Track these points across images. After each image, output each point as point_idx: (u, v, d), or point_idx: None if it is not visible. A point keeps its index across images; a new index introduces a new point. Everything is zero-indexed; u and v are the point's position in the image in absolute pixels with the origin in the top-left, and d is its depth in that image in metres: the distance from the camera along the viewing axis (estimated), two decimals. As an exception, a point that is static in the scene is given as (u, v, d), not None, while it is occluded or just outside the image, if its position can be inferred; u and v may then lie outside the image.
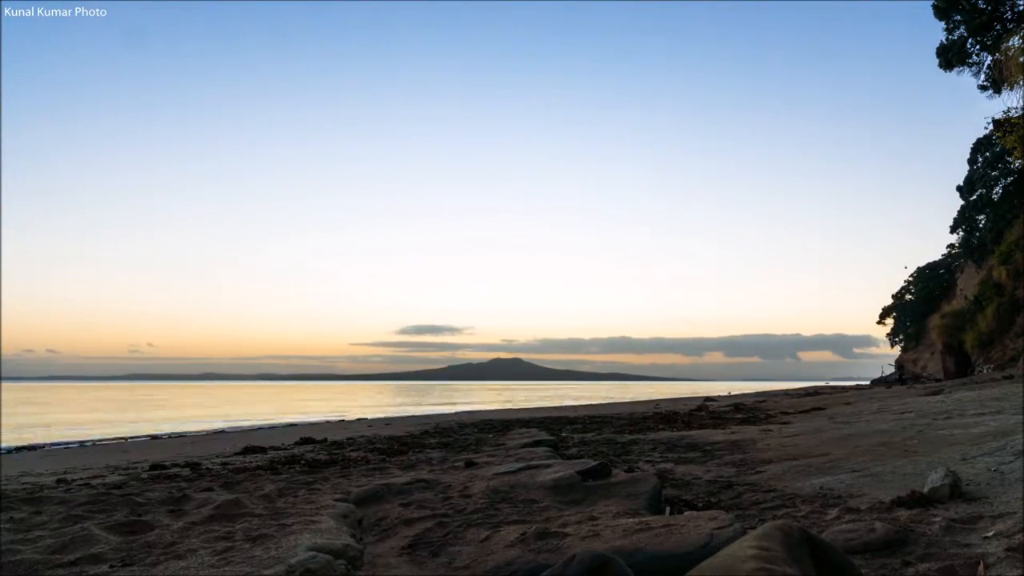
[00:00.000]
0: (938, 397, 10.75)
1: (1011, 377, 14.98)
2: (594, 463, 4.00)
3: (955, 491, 3.13)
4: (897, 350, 48.20)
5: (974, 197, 29.08)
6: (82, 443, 10.98)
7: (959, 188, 30.16)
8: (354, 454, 6.68)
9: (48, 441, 11.42)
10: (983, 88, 19.26)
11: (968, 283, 32.22)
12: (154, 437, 11.94)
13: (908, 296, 46.90)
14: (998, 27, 18.19)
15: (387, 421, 14.86)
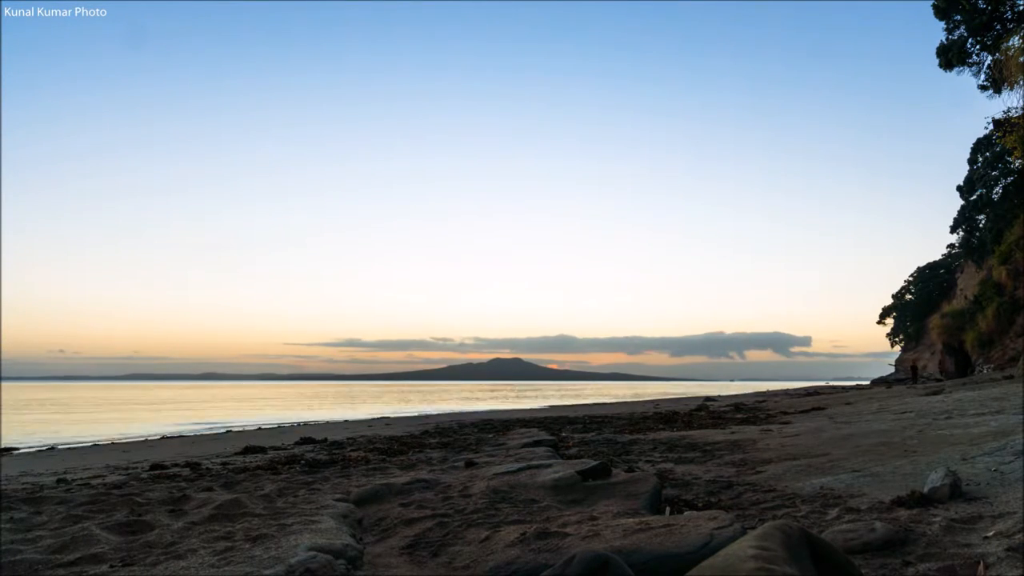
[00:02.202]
0: (938, 397, 10.75)
1: (1011, 377, 14.98)
2: (594, 463, 4.00)
3: (955, 491, 3.13)
4: (897, 349, 48.20)
5: (974, 197, 29.09)
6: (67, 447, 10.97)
7: (959, 188, 30.17)
8: (354, 454, 6.68)
9: (56, 441, 11.42)
10: (983, 88, 19.25)
11: (968, 283, 32.23)
12: (166, 436, 11.95)
13: (908, 296, 46.89)
14: (998, 27, 18.19)
15: (387, 421, 14.87)
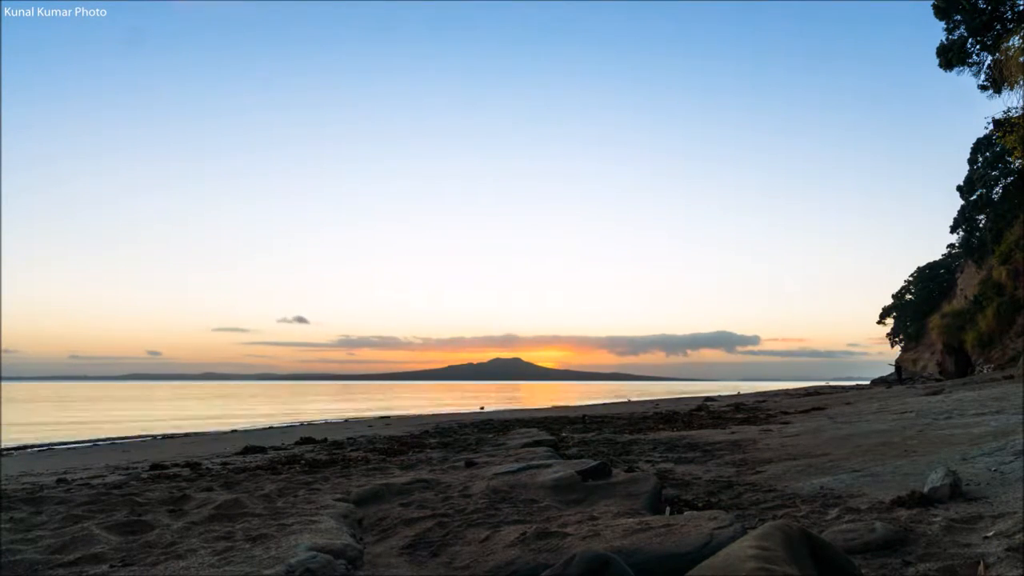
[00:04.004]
0: (938, 397, 10.75)
1: (1011, 377, 14.98)
2: (594, 463, 4.00)
3: (955, 491, 3.13)
4: (897, 350, 48.20)
5: (974, 197, 29.08)
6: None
7: (959, 188, 30.16)
8: (354, 454, 6.68)
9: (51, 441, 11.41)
10: (983, 88, 19.24)
11: (968, 283, 32.24)
12: (166, 436, 11.94)
13: (908, 296, 46.88)
14: (998, 27, 18.18)
15: (387, 421, 14.87)
